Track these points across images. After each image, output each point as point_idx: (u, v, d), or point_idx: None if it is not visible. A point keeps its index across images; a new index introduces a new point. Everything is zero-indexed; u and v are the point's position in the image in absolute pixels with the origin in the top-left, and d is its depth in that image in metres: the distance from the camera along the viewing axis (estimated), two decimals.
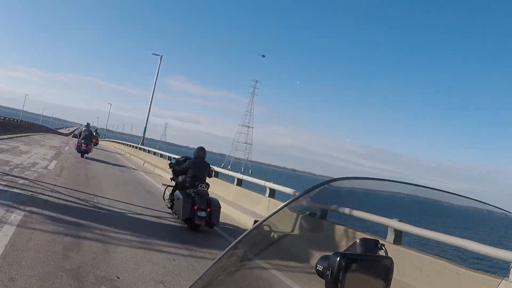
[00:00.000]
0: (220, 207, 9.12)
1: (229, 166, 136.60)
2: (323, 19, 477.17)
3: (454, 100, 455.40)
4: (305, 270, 1.33)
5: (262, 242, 1.32)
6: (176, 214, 9.39)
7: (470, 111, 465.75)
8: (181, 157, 10.75)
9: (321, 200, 1.28)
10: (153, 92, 42.82)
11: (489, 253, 5.11)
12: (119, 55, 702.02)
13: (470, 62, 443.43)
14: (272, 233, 1.28)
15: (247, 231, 1.24)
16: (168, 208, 10.07)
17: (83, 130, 23.24)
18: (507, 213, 1.44)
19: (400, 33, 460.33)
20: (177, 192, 9.48)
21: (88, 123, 25.50)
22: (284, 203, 1.17)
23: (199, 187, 9.04)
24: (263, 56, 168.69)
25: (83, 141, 22.16)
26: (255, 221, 10.11)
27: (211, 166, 10.06)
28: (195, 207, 8.66)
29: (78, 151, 22.48)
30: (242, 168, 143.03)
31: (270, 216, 1.18)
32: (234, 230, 9.70)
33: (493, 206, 1.43)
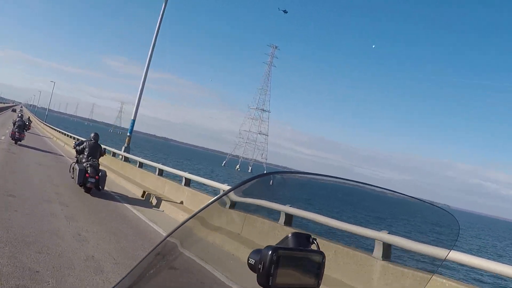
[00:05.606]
0: (106, 176, 12.92)
1: (237, 166, 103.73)
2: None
3: (394, 90, 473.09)
4: (237, 264, 1.33)
5: (194, 235, 1.31)
6: (75, 180, 12.84)
7: (408, 103, 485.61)
8: (84, 140, 14.45)
9: (253, 194, 1.29)
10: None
11: (419, 250, 5.31)
12: (60, 31, 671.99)
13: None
14: (204, 227, 1.27)
15: (178, 224, 1.22)
16: (72, 178, 13.48)
17: (17, 120, 26.15)
18: (436, 207, 1.50)
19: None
20: (75, 164, 13.27)
21: (22, 114, 29.23)
22: (216, 197, 1.16)
23: (91, 161, 12.74)
24: (285, 11, 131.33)
25: (17, 130, 25.02)
26: (144, 192, 14.02)
27: (102, 145, 14.05)
28: (87, 175, 12.29)
29: (12, 139, 25.18)
30: (250, 168, 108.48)
31: (202, 209, 1.17)
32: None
33: (421, 200, 1.50)
